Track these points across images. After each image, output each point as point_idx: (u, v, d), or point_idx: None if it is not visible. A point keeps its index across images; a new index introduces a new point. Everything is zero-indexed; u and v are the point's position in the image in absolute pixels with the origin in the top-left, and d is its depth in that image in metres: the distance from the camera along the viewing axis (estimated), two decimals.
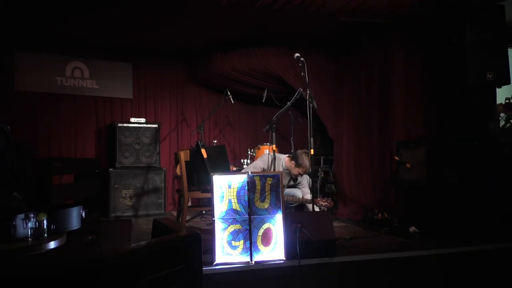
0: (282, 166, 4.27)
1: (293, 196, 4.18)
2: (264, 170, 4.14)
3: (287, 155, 4.39)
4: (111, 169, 5.27)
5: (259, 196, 2.83)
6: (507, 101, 3.99)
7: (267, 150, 5.16)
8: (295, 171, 4.18)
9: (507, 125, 3.98)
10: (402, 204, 4.23)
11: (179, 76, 6.37)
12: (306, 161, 4.08)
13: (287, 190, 4.24)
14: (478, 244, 3.20)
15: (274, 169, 4.01)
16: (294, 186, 4.36)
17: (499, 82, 4.00)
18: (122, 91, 6.00)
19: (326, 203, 3.96)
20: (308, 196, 4.17)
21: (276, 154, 4.24)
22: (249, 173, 2.84)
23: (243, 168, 5.40)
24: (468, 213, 3.54)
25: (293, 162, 4.19)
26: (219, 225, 2.77)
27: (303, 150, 4.12)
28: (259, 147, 5.65)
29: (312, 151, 3.56)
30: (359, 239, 3.63)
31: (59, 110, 5.57)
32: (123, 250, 1.53)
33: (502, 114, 3.99)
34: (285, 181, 4.30)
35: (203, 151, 3.94)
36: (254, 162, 4.45)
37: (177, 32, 5.08)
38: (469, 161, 3.69)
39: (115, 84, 5.95)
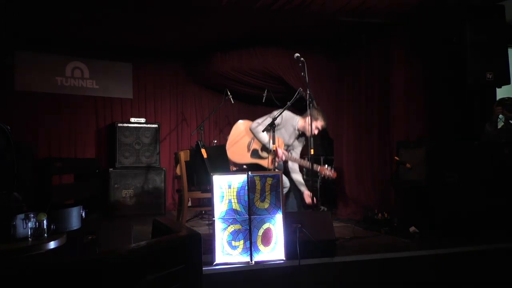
0: (295, 127, 4.16)
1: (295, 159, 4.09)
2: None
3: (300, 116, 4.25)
4: (111, 169, 5.27)
5: (259, 196, 2.83)
6: (506, 98, 3.97)
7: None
8: (313, 127, 4.01)
9: (505, 125, 3.97)
10: (402, 204, 4.22)
11: (179, 76, 6.37)
12: (322, 116, 4.06)
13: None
14: (478, 244, 3.20)
15: (274, 141, 3.77)
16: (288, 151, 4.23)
17: (499, 82, 4.00)
18: (122, 91, 6.00)
19: (329, 173, 3.94)
20: (301, 179, 4.16)
21: (287, 112, 4.10)
22: (249, 173, 2.84)
23: (243, 168, 5.38)
24: (468, 213, 3.53)
25: (307, 118, 4.03)
26: (219, 225, 2.77)
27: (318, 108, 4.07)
28: None
29: (312, 151, 3.55)
30: (359, 239, 3.62)
31: (59, 110, 5.58)
32: (123, 250, 1.53)
33: (500, 116, 3.98)
34: (291, 140, 4.24)
35: (203, 151, 3.94)
36: (264, 117, 4.20)
37: (177, 32, 5.08)
38: (469, 161, 3.69)
39: (115, 84, 5.95)
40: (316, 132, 4.13)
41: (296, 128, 4.20)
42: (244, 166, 4.17)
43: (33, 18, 4.53)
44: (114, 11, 4.36)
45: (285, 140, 4.19)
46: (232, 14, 4.36)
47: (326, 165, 4.07)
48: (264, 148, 4.14)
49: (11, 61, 5.26)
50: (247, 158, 4.12)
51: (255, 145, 4.15)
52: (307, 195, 4.09)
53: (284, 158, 4.06)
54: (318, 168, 3.94)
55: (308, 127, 4.02)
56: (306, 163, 4.07)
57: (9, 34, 4.92)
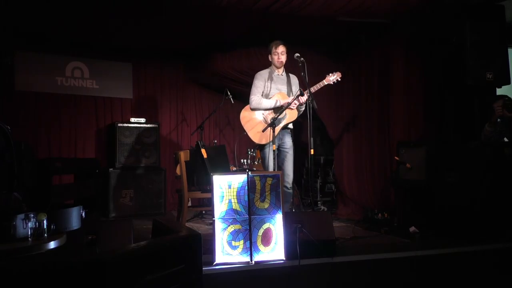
0: (274, 72, 4.14)
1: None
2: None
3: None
4: (111, 169, 5.26)
5: (259, 196, 2.83)
6: (507, 98, 3.96)
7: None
8: (274, 58, 4.07)
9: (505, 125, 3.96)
10: (402, 204, 4.22)
11: (179, 76, 6.38)
12: (271, 45, 4.12)
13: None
14: (478, 244, 3.20)
15: (274, 140, 3.74)
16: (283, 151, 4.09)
17: (499, 82, 4.00)
18: (122, 91, 6.00)
19: (335, 77, 3.99)
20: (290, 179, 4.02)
21: (261, 72, 4.16)
22: (249, 173, 2.84)
23: (243, 168, 5.38)
24: (468, 213, 3.53)
25: (269, 56, 4.11)
26: (219, 225, 2.77)
27: None
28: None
29: (312, 151, 3.54)
30: (359, 239, 3.63)
31: (59, 110, 5.57)
32: (123, 250, 1.54)
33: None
34: (288, 86, 4.17)
35: (203, 151, 3.94)
36: (252, 90, 4.10)
37: (177, 32, 5.08)
38: (469, 161, 3.69)
39: (115, 84, 5.95)
40: (283, 57, 4.09)
41: (276, 73, 4.12)
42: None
43: (33, 18, 4.53)
44: (113, 12, 4.35)
45: (286, 91, 4.13)
46: (232, 14, 4.36)
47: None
48: (275, 110, 4.00)
49: (11, 61, 5.25)
50: (275, 129, 3.92)
51: (269, 116, 3.98)
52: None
53: (302, 101, 3.96)
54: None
55: (277, 59, 4.08)
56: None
57: (9, 34, 4.92)
